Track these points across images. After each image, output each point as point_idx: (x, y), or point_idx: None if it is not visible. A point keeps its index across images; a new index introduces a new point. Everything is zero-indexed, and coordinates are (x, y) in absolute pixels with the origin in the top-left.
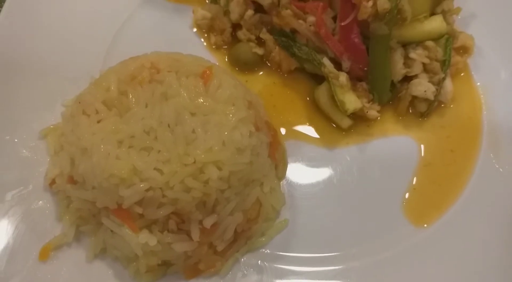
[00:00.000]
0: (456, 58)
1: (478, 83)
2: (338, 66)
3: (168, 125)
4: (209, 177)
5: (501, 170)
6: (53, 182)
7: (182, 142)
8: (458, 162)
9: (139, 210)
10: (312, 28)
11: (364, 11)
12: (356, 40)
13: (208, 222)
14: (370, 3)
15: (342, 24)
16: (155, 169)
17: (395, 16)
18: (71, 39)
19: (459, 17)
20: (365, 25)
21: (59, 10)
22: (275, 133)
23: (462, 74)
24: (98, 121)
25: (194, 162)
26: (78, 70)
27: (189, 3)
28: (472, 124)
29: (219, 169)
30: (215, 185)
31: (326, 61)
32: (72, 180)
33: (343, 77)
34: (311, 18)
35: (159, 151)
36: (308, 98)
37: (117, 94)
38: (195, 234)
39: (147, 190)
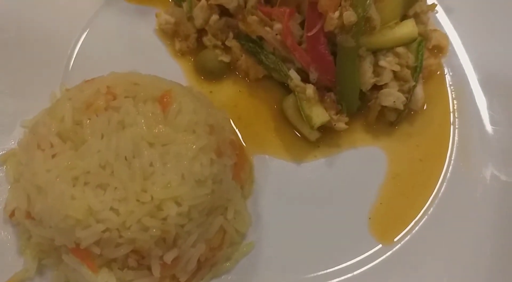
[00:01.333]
0: (429, 61)
1: (451, 85)
2: (305, 76)
3: (125, 158)
4: (168, 214)
5: (470, 179)
6: (12, 213)
7: (139, 176)
8: (427, 171)
9: (96, 250)
10: (278, 37)
11: (330, 23)
12: (323, 50)
13: (168, 257)
14: (336, 15)
15: (309, 34)
16: (111, 209)
17: (363, 27)
18: (28, 51)
19: (434, 13)
20: (333, 34)
21: (14, 22)
22: (241, 151)
23: (436, 74)
24: (53, 156)
25: (152, 199)
26: (37, 86)
27: (152, 4)
28: (442, 131)
29: (178, 204)
30: (174, 221)
31: (293, 73)
32: (30, 216)
33: (310, 90)
34: (277, 26)
35: (115, 188)
36: (275, 106)
37: (71, 125)
38: (156, 270)
39: (103, 231)
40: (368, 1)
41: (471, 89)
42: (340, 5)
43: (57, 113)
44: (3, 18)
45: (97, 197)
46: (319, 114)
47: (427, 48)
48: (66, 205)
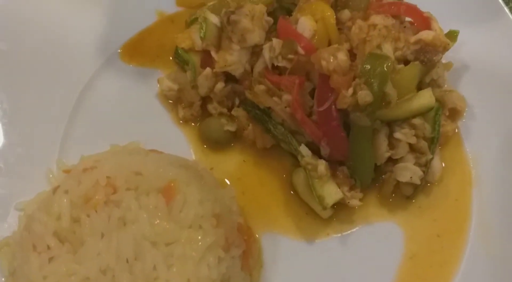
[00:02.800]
0: (445, 127)
1: (469, 152)
2: (316, 148)
3: (127, 261)
4: None
5: (491, 258)
6: None
7: None
8: (445, 250)
9: None
10: (287, 109)
11: (343, 101)
12: (335, 126)
13: None
14: (350, 92)
15: (320, 109)
16: None
17: (379, 105)
18: (22, 123)
19: (450, 72)
20: (346, 110)
21: (6, 92)
22: (248, 235)
23: (452, 140)
24: (50, 260)
25: None
26: (32, 161)
27: (153, 66)
28: (460, 204)
29: None
30: None
31: (303, 149)
32: None
33: (321, 167)
34: (286, 96)
35: None
36: (284, 176)
37: (69, 223)
38: None
39: None
40: (384, 78)
41: (490, 157)
42: (353, 81)
43: (54, 210)
44: None
45: None
46: (331, 193)
47: (444, 113)
48: None
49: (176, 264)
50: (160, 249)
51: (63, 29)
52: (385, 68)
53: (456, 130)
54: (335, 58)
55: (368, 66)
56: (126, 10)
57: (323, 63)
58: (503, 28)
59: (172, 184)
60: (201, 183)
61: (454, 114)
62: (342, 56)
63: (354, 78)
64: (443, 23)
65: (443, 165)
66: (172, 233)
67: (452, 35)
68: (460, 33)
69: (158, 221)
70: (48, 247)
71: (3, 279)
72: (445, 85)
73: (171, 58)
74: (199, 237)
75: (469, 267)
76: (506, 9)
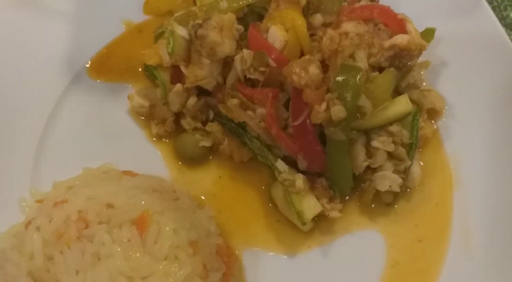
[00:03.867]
0: (424, 130)
1: (449, 153)
2: (294, 161)
3: None
4: None
5: (472, 263)
6: None
7: None
8: (427, 255)
9: None
10: (262, 124)
11: (316, 116)
12: (311, 140)
13: None
14: (323, 107)
15: (294, 124)
16: None
17: (354, 116)
18: None
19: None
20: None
21: None
22: (228, 256)
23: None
24: None
25: None
26: (5, 192)
27: (123, 81)
28: (441, 209)
29: None
30: None
31: (280, 165)
32: None
33: (299, 181)
34: (260, 110)
35: None
36: (263, 187)
37: (42, 262)
38: None
39: None
40: (357, 91)
41: (472, 155)
42: (327, 93)
43: (26, 248)
44: None
45: None
46: (310, 207)
47: (422, 115)
48: None
49: None
50: None
51: (26, 47)
52: (357, 81)
53: (436, 131)
54: (306, 72)
55: (341, 79)
56: (92, 22)
57: (295, 78)
58: (481, 20)
59: (145, 214)
60: (176, 209)
61: (433, 114)
62: (314, 70)
63: (327, 91)
64: (419, 19)
65: (424, 166)
66: (147, 266)
67: (429, 33)
68: (437, 28)
69: (132, 254)
70: None
71: None
72: (423, 84)
73: (140, 69)
74: (176, 269)
75: (451, 271)
76: (484, 0)
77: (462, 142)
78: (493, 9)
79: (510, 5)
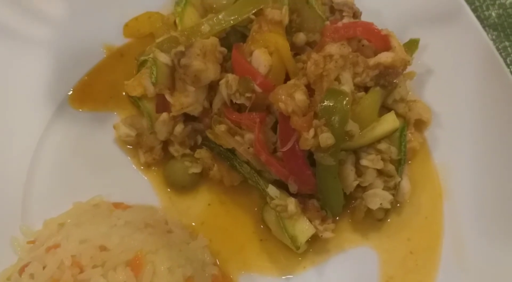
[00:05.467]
0: (412, 143)
1: (438, 163)
2: (285, 184)
3: None
4: None
5: (465, 273)
6: None
7: None
8: (420, 268)
9: None
10: (251, 150)
11: (305, 143)
12: (301, 164)
13: None
14: (311, 134)
15: (283, 150)
16: None
17: (342, 142)
18: None
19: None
20: None
21: None
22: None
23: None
24: None
25: None
26: None
27: (108, 109)
28: (432, 221)
29: None
30: None
31: (271, 190)
32: None
33: (291, 206)
34: (248, 136)
35: None
36: (256, 209)
37: None
38: None
39: None
40: (344, 117)
41: (461, 164)
42: (314, 119)
43: None
44: None
45: None
46: (304, 230)
47: (409, 128)
48: None
49: None
50: None
51: (4, 81)
52: (344, 106)
53: (424, 142)
54: (292, 99)
55: (327, 105)
56: (71, 49)
57: (281, 105)
58: (464, 27)
59: (139, 255)
60: (170, 245)
61: (420, 125)
62: (300, 96)
63: (314, 116)
64: (403, 29)
65: (413, 178)
66: None
67: (413, 44)
68: (421, 36)
69: None
70: None
71: None
72: (409, 94)
73: (124, 93)
74: None
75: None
76: (466, 6)
77: (450, 151)
78: (475, 9)
79: (492, 4)
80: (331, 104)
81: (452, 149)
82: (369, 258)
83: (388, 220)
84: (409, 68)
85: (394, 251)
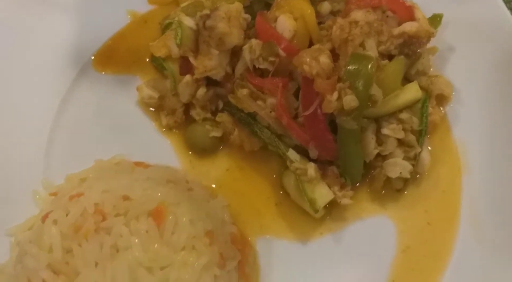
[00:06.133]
0: (433, 116)
1: (458, 138)
2: (305, 150)
3: None
4: None
5: (482, 246)
6: None
7: None
8: (437, 239)
9: None
10: (273, 114)
11: (328, 106)
12: (322, 129)
13: None
14: (335, 96)
15: (305, 113)
16: None
17: (365, 107)
18: (1, 145)
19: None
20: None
21: None
22: (243, 244)
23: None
24: None
25: None
26: (17, 186)
27: (130, 72)
28: (450, 194)
29: None
30: None
31: (292, 154)
32: None
33: (311, 170)
34: (271, 100)
35: None
36: (274, 176)
37: (61, 255)
38: None
39: None
40: (369, 80)
41: (478, 140)
42: (338, 83)
43: (44, 242)
44: None
45: None
46: (322, 195)
47: (431, 101)
48: None
49: None
50: (155, 274)
51: (31, 42)
52: (369, 70)
53: (444, 117)
54: (317, 62)
55: (352, 68)
56: (96, 14)
57: (306, 67)
58: (487, 5)
59: (162, 206)
60: (191, 200)
61: (441, 100)
62: (325, 59)
63: (338, 80)
64: (426, 5)
65: (432, 152)
66: (166, 257)
67: (436, 20)
68: (444, 13)
69: (151, 245)
70: (44, 281)
71: None
72: (431, 70)
73: (147, 60)
74: (193, 259)
75: (461, 255)
76: None
77: (470, 126)
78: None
79: None
80: (356, 67)
81: (472, 125)
82: (386, 228)
83: (406, 192)
84: (431, 44)
85: (411, 221)
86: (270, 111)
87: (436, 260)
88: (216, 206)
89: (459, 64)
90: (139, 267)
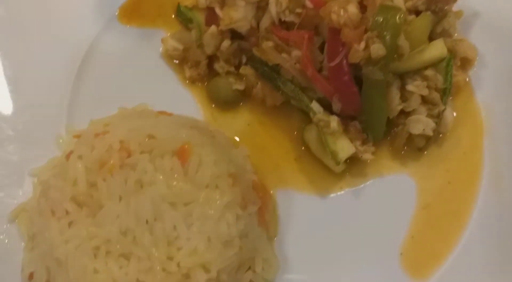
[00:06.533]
0: (457, 78)
1: (480, 102)
2: (328, 103)
3: (146, 222)
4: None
5: (503, 206)
6: (31, 276)
7: (163, 242)
8: (458, 199)
9: None
10: (297, 66)
11: (355, 55)
12: (347, 81)
13: None
14: (362, 46)
15: (331, 64)
16: (137, 281)
17: (392, 57)
18: (26, 90)
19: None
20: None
21: (10, 60)
22: (263, 192)
23: (464, 90)
24: (70, 224)
25: (178, 267)
26: (41, 128)
27: (155, 26)
28: (472, 154)
29: (207, 271)
30: None
31: (315, 106)
32: None
33: (334, 123)
34: (296, 52)
35: (139, 257)
36: (295, 133)
37: (86, 188)
38: None
39: None
40: (397, 30)
41: (502, 105)
42: (365, 34)
43: (69, 175)
44: None
45: (121, 269)
46: (344, 148)
47: (455, 63)
48: (89, 280)
49: (196, 223)
50: (179, 209)
51: None
52: (397, 20)
53: (468, 80)
54: (345, 12)
55: (380, 19)
56: None
57: (333, 17)
58: None
59: (186, 146)
60: (215, 144)
61: (465, 63)
62: (353, 9)
63: (365, 31)
64: None
65: (455, 115)
66: (189, 193)
67: None
68: None
69: (174, 182)
70: (67, 212)
71: (22, 243)
72: (456, 34)
73: (173, 16)
74: (217, 196)
75: (482, 214)
76: None
77: (493, 91)
78: None
79: None
80: (384, 17)
81: (495, 89)
82: (407, 185)
83: (428, 152)
84: (456, 8)
85: (432, 179)
86: (295, 63)
87: (457, 219)
88: (238, 154)
89: (483, 30)
90: (162, 202)
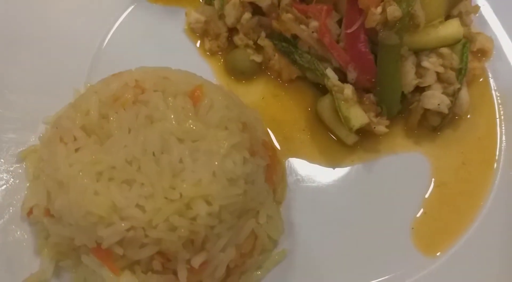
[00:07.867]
0: (473, 64)
1: (496, 91)
2: (343, 76)
3: (153, 154)
4: (197, 213)
5: None
6: (30, 211)
7: (168, 173)
8: (473, 179)
9: (119, 250)
10: (315, 35)
11: (372, 18)
12: (363, 49)
13: (196, 261)
14: (379, 10)
15: (348, 31)
16: (137, 205)
17: (407, 24)
18: (52, 48)
19: (477, 15)
20: (373, 31)
21: (39, 18)
22: (273, 154)
23: (480, 80)
24: (76, 150)
25: (181, 197)
26: (61, 83)
27: (180, 4)
28: (488, 138)
29: (209, 204)
30: (203, 221)
31: (330, 72)
32: (49, 213)
33: (348, 90)
34: (314, 23)
35: (142, 184)
36: (309, 109)
37: (97, 118)
38: (182, 275)
39: (127, 230)
40: None
41: None
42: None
43: (82, 107)
44: (27, 15)
45: (122, 193)
46: (358, 116)
47: (471, 51)
48: (88, 201)
49: (202, 158)
50: (186, 144)
51: None
52: None
53: (484, 70)
54: None
55: None
56: None
57: None
58: None
59: (199, 89)
60: (229, 94)
61: (482, 54)
62: None
63: None
64: None
65: (471, 101)
66: (198, 131)
67: None
68: None
69: (185, 120)
70: (75, 138)
71: (27, 184)
72: (472, 28)
73: None
74: (225, 136)
75: (497, 196)
76: None
77: (509, 82)
78: None
79: None
80: None
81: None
82: (421, 163)
83: (443, 133)
84: (473, 3)
85: (446, 159)
86: (312, 32)
87: (472, 199)
88: (251, 114)
89: (500, 24)
90: (171, 136)
